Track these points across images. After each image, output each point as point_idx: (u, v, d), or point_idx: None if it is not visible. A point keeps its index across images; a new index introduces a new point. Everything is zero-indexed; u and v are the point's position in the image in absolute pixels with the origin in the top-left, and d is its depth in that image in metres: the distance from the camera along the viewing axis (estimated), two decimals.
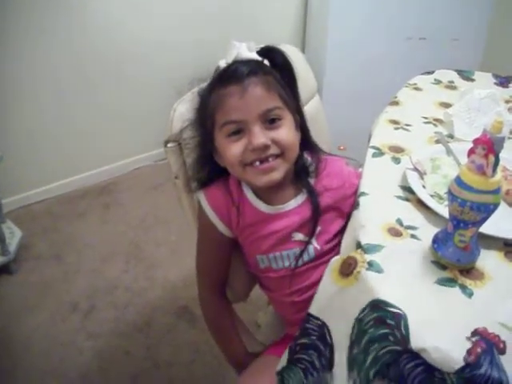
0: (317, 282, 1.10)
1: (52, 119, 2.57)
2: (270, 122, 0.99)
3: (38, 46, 2.37)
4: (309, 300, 1.12)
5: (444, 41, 2.75)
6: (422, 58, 2.62)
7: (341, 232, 1.07)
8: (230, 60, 1.02)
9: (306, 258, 1.10)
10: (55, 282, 2.14)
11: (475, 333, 0.70)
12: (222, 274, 1.19)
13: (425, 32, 2.73)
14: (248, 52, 1.03)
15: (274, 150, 0.99)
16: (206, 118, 1.04)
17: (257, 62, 1.03)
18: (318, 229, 1.09)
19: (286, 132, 1.01)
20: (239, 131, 0.99)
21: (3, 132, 2.39)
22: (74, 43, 2.47)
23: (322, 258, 1.10)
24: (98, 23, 2.52)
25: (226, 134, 1.00)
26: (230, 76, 1.00)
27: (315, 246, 1.09)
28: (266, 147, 0.98)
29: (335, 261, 0.87)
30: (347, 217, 1.06)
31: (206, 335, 1.85)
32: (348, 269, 0.82)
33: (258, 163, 0.99)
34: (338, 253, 0.99)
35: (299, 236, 1.09)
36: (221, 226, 1.10)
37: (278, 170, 1.01)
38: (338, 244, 1.02)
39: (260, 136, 0.97)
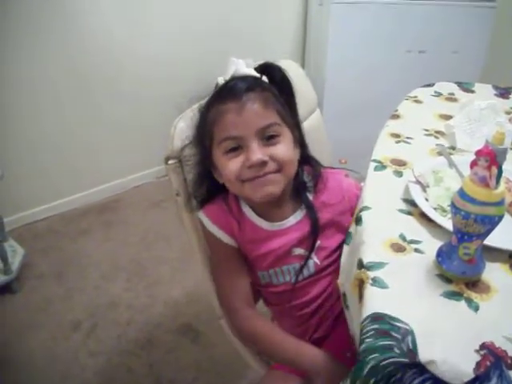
0: (317, 297, 1.11)
1: (53, 136, 2.57)
2: (268, 138, 0.99)
3: (37, 62, 2.37)
4: (310, 314, 1.12)
5: (444, 53, 2.76)
6: (422, 70, 2.63)
7: (340, 247, 1.06)
8: (228, 76, 1.03)
9: (305, 273, 1.10)
10: (57, 301, 2.13)
11: (483, 346, 0.69)
12: (248, 285, 1.13)
13: (425, 45, 2.74)
14: (246, 68, 1.04)
15: (271, 167, 0.99)
16: (204, 134, 1.04)
17: (255, 78, 1.03)
18: (318, 243, 1.09)
19: (284, 148, 1.00)
20: (237, 148, 0.99)
21: (4, 150, 2.39)
22: (74, 59, 2.48)
23: (322, 272, 1.11)
24: (99, 40, 2.54)
25: (224, 150, 1.00)
26: (228, 92, 1.00)
27: (315, 260, 1.10)
28: (263, 163, 0.98)
29: (353, 290, 0.86)
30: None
31: (208, 352, 1.86)
32: (360, 292, 0.81)
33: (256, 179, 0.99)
34: (337, 268, 0.99)
35: (299, 251, 1.09)
36: (227, 239, 1.09)
37: (276, 185, 1.00)
38: (338, 258, 1.02)
39: (257, 152, 0.97)
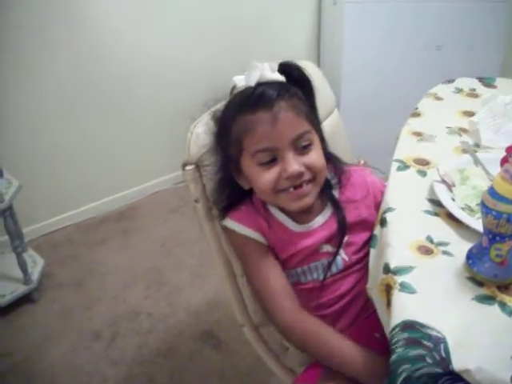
0: (346, 293, 1.09)
1: (68, 146, 2.57)
2: (301, 147, 0.99)
3: (49, 71, 2.37)
4: (338, 312, 1.08)
5: (461, 49, 2.71)
6: (440, 67, 2.59)
7: (367, 243, 1.05)
8: (252, 82, 1.00)
9: (334, 269, 1.08)
10: (77, 310, 2.12)
11: None
12: (289, 282, 1.08)
13: (441, 41, 2.70)
14: (271, 73, 1.01)
15: (307, 176, 1.00)
16: (229, 142, 1.03)
17: (281, 83, 1.02)
18: (346, 239, 1.08)
19: (317, 156, 1.01)
20: (272, 159, 0.98)
21: (22, 161, 2.39)
22: (85, 65, 2.47)
23: (350, 268, 1.09)
24: (111, 44, 2.53)
25: (258, 162, 0.99)
26: (258, 101, 0.98)
27: (343, 257, 1.08)
28: (300, 174, 0.98)
29: (380, 295, 0.83)
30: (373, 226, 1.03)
31: (231, 360, 1.84)
32: (388, 297, 0.79)
33: (291, 189, 1.00)
34: (366, 264, 0.97)
35: (327, 247, 1.08)
36: (257, 236, 1.07)
37: (311, 195, 1.02)
38: (366, 254, 1.01)
39: (293, 163, 0.97)
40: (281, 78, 1.02)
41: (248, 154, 1.00)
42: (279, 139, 0.97)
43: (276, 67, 1.03)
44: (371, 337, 1.01)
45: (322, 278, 1.07)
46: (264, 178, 0.99)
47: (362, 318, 1.10)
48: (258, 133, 0.97)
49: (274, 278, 1.07)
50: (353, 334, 1.04)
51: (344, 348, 0.97)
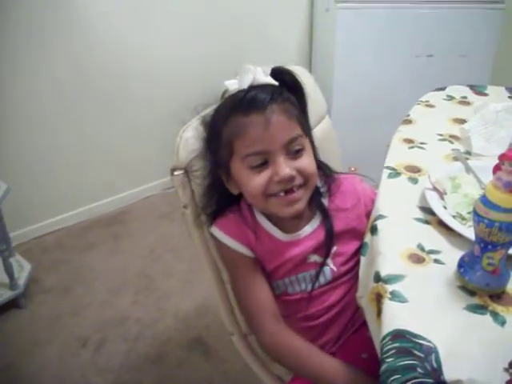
0: (335, 304, 1.08)
1: (60, 149, 2.55)
2: (293, 151, 0.98)
3: (45, 70, 2.35)
4: (327, 323, 1.07)
5: (453, 57, 2.72)
6: (432, 75, 2.60)
7: (357, 253, 1.04)
8: (245, 85, 0.99)
9: (322, 280, 1.07)
10: (65, 316, 2.09)
11: None
12: (272, 297, 1.08)
13: (433, 49, 2.70)
14: (264, 77, 1.01)
15: (298, 180, 0.98)
16: (219, 146, 1.01)
17: (274, 87, 1.01)
18: (334, 249, 1.07)
19: (309, 161, 1.00)
20: (263, 163, 0.97)
21: (11, 163, 2.37)
22: (81, 66, 2.46)
23: (339, 279, 1.08)
24: (109, 46, 2.52)
25: (249, 165, 0.98)
26: (250, 104, 0.96)
27: (331, 267, 1.07)
28: (291, 178, 0.96)
29: (370, 304, 0.82)
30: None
31: (220, 367, 1.82)
32: (378, 306, 0.77)
33: (282, 193, 0.98)
34: (355, 275, 0.97)
35: (315, 257, 1.07)
36: (245, 250, 1.06)
37: (302, 201, 1.00)
38: (355, 265, 1.00)
39: (285, 167, 0.95)
40: (273, 81, 1.01)
41: (239, 158, 0.98)
42: (271, 142, 0.95)
43: (269, 71, 1.03)
44: (358, 357, 1.01)
45: (310, 288, 1.06)
46: (254, 182, 0.97)
47: (350, 332, 1.09)
48: (250, 135, 0.95)
49: (259, 297, 1.06)
50: (339, 353, 1.04)
51: (326, 366, 0.97)
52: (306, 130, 1.04)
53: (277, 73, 1.03)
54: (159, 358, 1.88)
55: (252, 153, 0.96)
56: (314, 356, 1.00)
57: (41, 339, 1.97)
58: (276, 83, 1.02)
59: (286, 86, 1.03)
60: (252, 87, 0.98)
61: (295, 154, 0.98)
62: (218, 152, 1.02)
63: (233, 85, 1.02)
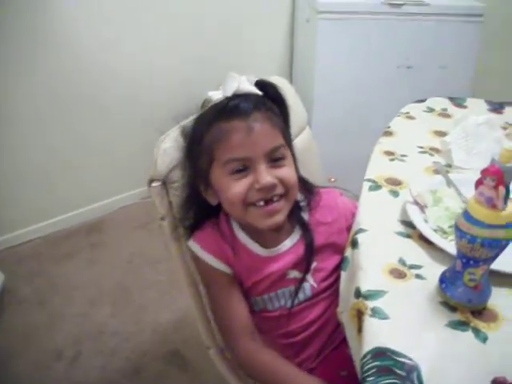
0: (315, 320, 1.06)
1: (36, 158, 2.50)
2: (275, 160, 0.96)
3: (19, 87, 2.31)
4: (307, 340, 1.06)
5: (432, 68, 2.73)
6: (412, 86, 2.61)
7: (338, 268, 1.02)
8: (229, 93, 0.97)
9: (301, 296, 1.05)
10: (39, 328, 2.04)
11: (495, 382, 0.64)
12: (248, 314, 1.06)
13: (413, 60, 2.71)
14: (249, 85, 0.99)
15: (279, 190, 0.97)
16: (200, 153, 0.99)
17: (258, 96, 0.99)
18: (314, 265, 1.05)
19: (290, 171, 0.99)
20: (243, 169, 0.95)
21: None
22: (56, 80, 2.41)
23: (319, 295, 1.06)
24: (93, 52, 2.48)
25: (229, 171, 0.96)
26: (233, 110, 0.95)
27: (312, 283, 1.05)
28: (272, 186, 0.95)
29: (351, 320, 0.80)
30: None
31: (198, 380, 1.79)
32: (359, 323, 0.76)
33: (262, 203, 0.96)
34: (335, 291, 0.95)
35: (294, 273, 1.05)
36: (222, 266, 1.04)
37: (282, 212, 0.98)
38: (336, 281, 0.99)
39: (266, 175, 0.94)
40: (257, 91, 1.00)
41: (219, 164, 0.97)
42: (253, 149, 0.94)
43: (253, 80, 1.02)
44: (337, 375, 0.99)
45: (289, 305, 1.04)
46: (234, 189, 0.95)
47: (330, 348, 1.07)
48: (232, 141, 0.94)
49: (235, 314, 1.04)
50: (318, 368, 1.02)
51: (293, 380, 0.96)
52: (288, 141, 1.03)
53: (260, 85, 1.02)
54: (136, 372, 1.84)
55: (233, 158, 0.95)
56: (291, 374, 0.98)
57: (13, 352, 1.92)
58: (260, 93, 1.00)
59: (269, 98, 1.02)
60: (236, 95, 0.97)
61: (277, 162, 0.97)
62: (199, 160, 1.00)
63: (216, 95, 1.00)
